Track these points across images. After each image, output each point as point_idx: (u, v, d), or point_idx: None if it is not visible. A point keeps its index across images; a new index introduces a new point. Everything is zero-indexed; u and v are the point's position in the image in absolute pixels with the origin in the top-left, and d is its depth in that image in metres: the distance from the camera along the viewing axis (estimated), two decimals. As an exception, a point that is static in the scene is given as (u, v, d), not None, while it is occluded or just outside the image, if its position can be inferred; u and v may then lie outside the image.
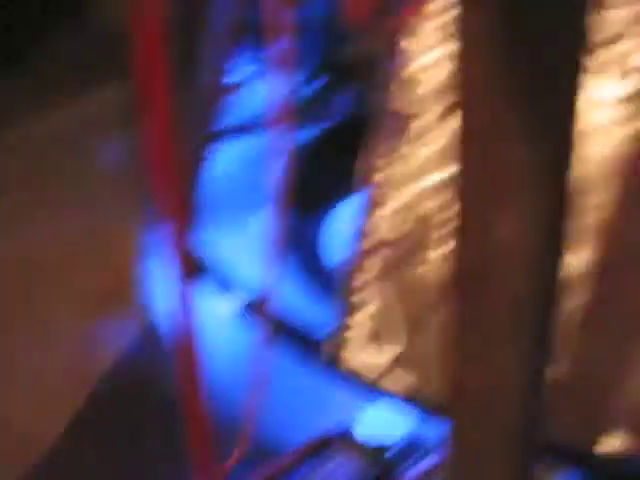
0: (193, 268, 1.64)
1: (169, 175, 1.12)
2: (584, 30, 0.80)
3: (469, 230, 0.89)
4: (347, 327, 1.44)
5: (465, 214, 0.88)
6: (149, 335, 1.60)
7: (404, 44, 1.39)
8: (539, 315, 0.91)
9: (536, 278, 0.87)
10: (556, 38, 0.76)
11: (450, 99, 1.33)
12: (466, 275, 0.91)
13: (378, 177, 1.44)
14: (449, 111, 1.36)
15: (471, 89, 0.79)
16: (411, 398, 1.40)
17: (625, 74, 1.34)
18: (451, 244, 1.09)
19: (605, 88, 1.33)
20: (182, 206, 1.20)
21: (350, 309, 1.45)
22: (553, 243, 0.88)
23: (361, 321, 1.43)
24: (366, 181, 1.44)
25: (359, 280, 1.45)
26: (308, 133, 2.38)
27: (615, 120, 1.32)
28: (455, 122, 1.25)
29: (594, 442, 1.32)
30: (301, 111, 2.52)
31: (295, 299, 1.83)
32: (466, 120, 0.81)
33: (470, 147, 0.83)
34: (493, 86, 0.76)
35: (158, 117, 1.07)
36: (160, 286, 1.58)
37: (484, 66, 0.76)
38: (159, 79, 1.06)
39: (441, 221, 1.40)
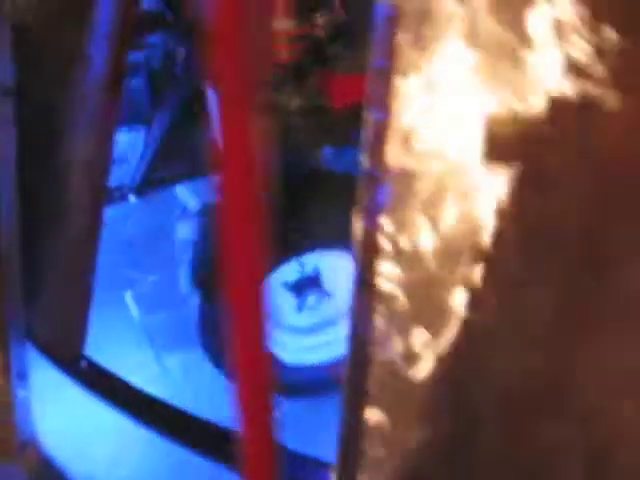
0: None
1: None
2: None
3: None
4: (360, 454, 1.12)
5: None
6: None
7: (399, 84, 1.07)
8: None
9: None
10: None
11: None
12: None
13: (384, 255, 1.12)
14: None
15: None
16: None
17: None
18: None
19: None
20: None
21: (361, 427, 1.12)
22: None
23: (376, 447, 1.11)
24: (365, 263, 1.11)
25: (367, 383, 1.12)
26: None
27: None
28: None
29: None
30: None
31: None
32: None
33: None
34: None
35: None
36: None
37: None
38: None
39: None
